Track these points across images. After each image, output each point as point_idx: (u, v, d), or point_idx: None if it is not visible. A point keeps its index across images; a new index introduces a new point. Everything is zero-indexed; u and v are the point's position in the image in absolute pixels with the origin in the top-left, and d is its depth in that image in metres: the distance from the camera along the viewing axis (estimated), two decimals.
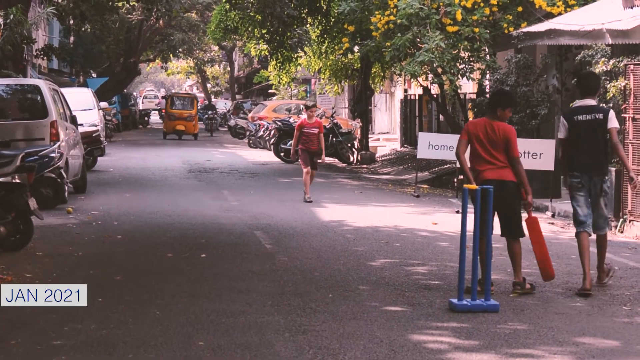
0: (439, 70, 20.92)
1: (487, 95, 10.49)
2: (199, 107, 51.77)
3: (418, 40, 20.80)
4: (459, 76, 21.36)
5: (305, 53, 34.69)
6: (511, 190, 9.83)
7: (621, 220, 14.93)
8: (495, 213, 9.81)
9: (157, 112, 77.33)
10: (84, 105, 28.90)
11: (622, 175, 14.91)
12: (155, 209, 16.58)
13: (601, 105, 11.29)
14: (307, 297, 9.42)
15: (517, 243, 9.96)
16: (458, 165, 19.12)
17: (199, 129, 47.82)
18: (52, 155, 14.31)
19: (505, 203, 9.80)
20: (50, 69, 45.50)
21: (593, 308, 9.28)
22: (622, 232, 14.84)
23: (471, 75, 21.65)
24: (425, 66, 20.68)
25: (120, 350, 7.44)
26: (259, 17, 29.78)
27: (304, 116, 19.51)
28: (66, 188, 16.77)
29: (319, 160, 19.17)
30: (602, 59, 16.35)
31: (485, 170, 9.83)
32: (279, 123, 31.20)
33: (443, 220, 15.85)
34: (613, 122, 10.24)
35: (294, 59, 32.76)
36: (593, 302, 9.53)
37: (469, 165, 10.04)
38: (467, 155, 10.01)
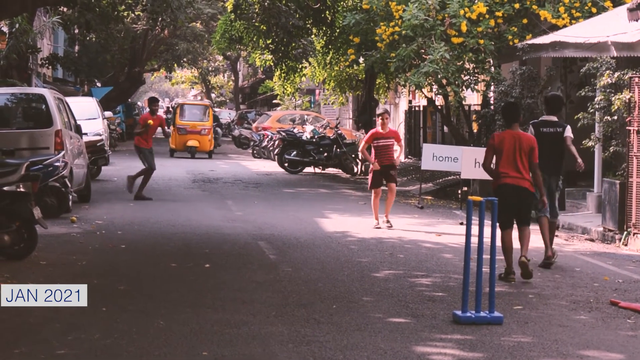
0: (444, 81, 20.93)
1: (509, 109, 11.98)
2: None
3: (423, 51, 20.83)
4: (464, 87, 21.37)
5: (309, 64, 34.73)
6: (528, 196, 11.51)
7: (625, 233, 14.92)
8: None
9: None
10: (89, 115, 28.96)
11: (627, 188, 14.91)
12: (159, 219, 16.57)
13: (561, 122, 13.30)
14: (311, 308, 9.42)
15: (528, 228, 11.64)
16: (462, 176, 19.16)
17: None
18: (57, 164, 14.32)
19: (523, 204, 11.52)
20: (55, 78, 45.61)
21: (597, 321, 9.27)
22: (626, 245, 14.82)
23: (476, 87, 21.68)
24: (430, 77, 20.70)
25: None
26: (264, 28, 29.78)
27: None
28: (70, 197, 16.79)
29: (393, 173, 16.65)
30: (607, 72, 16.37)
31: (507, 177, 11.37)
32: (283, 133, 31.23)
33: (447, 232, 15.84)
34: (568, 133, 12.76)
35: (298, 70, 32.78)
36: (597, 315, 9.52)
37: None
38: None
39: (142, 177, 20.27)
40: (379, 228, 16.07)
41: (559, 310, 9.73)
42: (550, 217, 12.70)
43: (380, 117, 16.52)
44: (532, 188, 11.47)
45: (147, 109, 21.74)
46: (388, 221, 16.29)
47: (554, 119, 12.92)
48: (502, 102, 20.79)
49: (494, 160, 11.64)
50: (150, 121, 20.04)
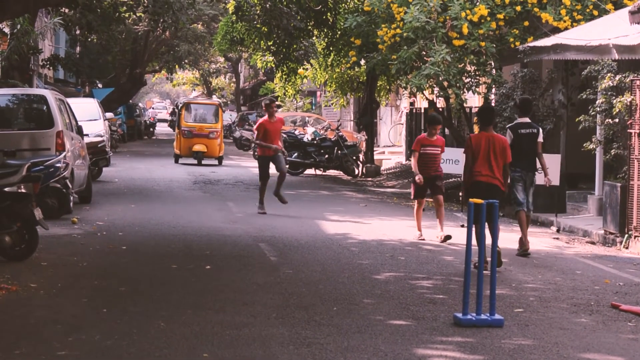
0: (445, 83, 20.93)
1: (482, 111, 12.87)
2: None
3: (424, 53, 20.83)
4: (465, 90, 21.38)
5: (311, 65, 34.72)
6: (498, 193, 12.18)
7: (626, 236, 14.91)
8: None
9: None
10: (90, 116, 28.90)
11: (628, 191, 14.91)
12: (160, 220, 16.57)
13: (534, 123, 14.41)
14: (312, 310, 9.41)
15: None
16: (463, 179, 19.16)
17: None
18: (58, 165, 14.35)
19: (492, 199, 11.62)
20: (56, 79, 45.57)
21: (598, 324, 9.27)
22: (627, 247, 14.82)
23: (477, 89, 21.67)
24: (431, 79, 20.71)
25: None
26: (265, 29, 29.79)
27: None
28: (71, 198, 16.79)
29: (439, 184, 15.25)
30: (608, 74, 16.37)
31: (481, 175, 12.24)
32: (285, 135, 31.16)
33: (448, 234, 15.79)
34: (540, 137, 13.84)
35: (299, 72, 32.77)
36: (598, 318, 9.51)
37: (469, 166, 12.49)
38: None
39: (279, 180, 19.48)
40: (423, 240, 14.91)
41: (559, 313, 9.73)
42: (526, 210, 13.73)
43: (431, 127, 15.15)
44: (502, 187, 12.36)
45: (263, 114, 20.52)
46: (420, 236, 15.02)
47: (528, 120, 13.90)
48: (503, 105, 20.81)
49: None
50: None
